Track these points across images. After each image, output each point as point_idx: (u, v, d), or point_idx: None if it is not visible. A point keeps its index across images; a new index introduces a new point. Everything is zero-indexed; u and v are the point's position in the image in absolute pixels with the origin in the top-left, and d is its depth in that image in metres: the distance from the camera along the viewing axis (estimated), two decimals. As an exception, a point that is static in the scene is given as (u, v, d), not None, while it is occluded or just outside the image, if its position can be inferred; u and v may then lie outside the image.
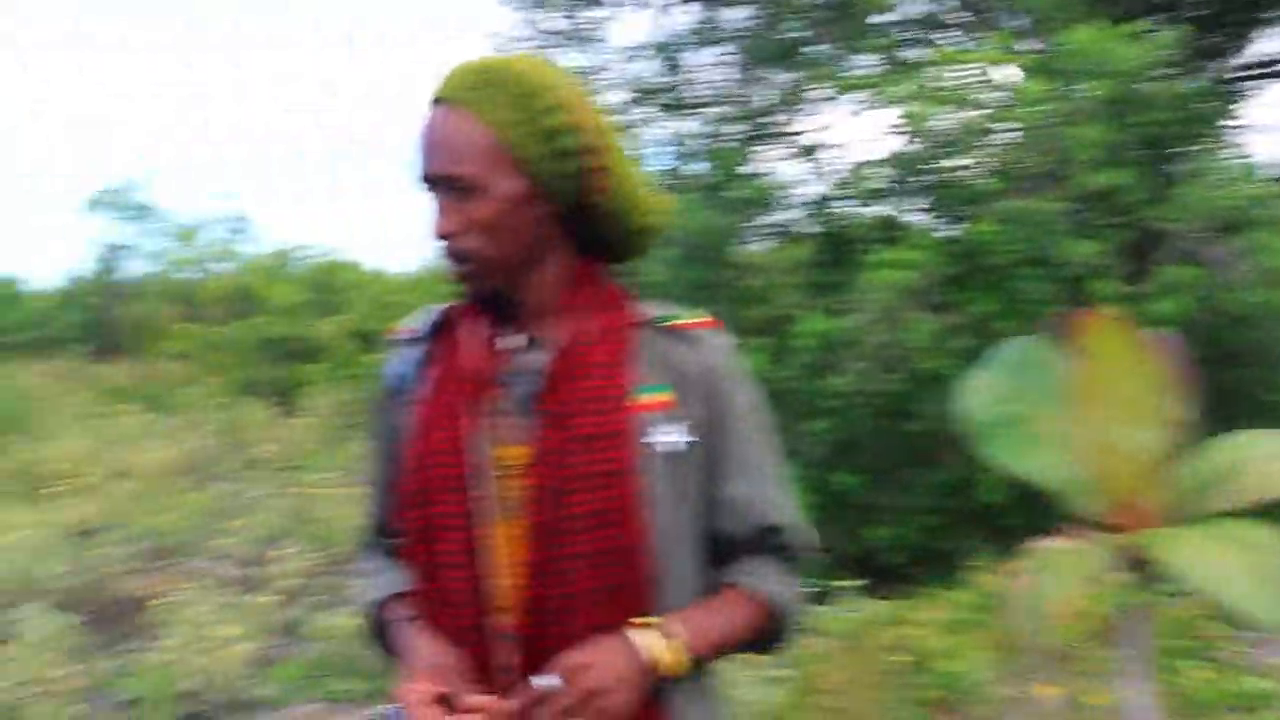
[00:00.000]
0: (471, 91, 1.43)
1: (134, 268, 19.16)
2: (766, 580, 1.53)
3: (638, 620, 1.43)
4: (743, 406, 1.53)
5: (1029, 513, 5.38)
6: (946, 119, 5.05)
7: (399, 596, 1.60)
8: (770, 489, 1.54)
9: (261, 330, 14.61)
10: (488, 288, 1.49)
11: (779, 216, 5.80)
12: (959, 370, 4.40)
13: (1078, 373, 0.92)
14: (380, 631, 1.64)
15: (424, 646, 1.49)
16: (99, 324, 18.14)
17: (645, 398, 1.47)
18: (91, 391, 15.02)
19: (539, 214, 1.46)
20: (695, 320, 1.55)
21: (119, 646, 5.62)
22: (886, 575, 5.50)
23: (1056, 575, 0.91)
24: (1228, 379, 4.93)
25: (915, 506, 5.36)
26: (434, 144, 1.44)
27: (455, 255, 1.46)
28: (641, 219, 1.54)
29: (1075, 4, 5.23)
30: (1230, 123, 5.67)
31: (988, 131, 4.95)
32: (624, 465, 1.43)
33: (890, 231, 5.82)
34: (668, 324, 1.54)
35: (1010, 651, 3.56)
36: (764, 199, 5.57)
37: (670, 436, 1.47)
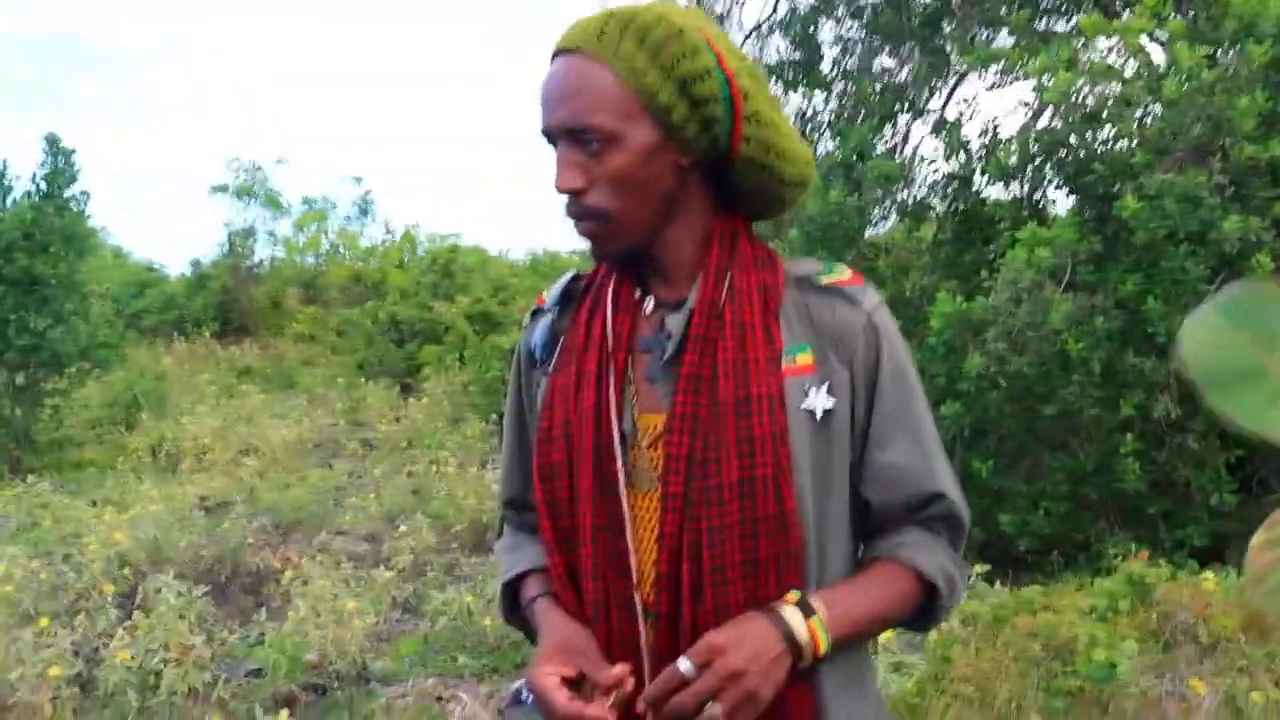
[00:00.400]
0: (599, 39, 1.32)
1: (261, 251, 19.73)
2: (922, 553, 1.41)
3: (779, 597, 1.33)
4: (896, 368, 1.42)
5: (1167, 500, 5.16)
6: (1089, 91, 4.81)
7: (535, 573, 1.54)
8: (928, 455, 1.43)
9: (383, 313, 14.87)
10: (619, 247, 1.40)
11: (911, 195, 5.61)
12: (1098, 352, 4.22)
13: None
14: (516, 609, 1.58)
15: (555, 625, 1.43)
16: (227, 307, 18.71)
17: (794, 359, 1.37)
18: (219, 372, 15.51)
19: (674, 166, 1.36)
20: (843, 277, 1.44)
21: (245, 618, 5.73)
22: (1013, 562, 5.33)
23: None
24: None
25: (1047, 493, 5.16)
26: (560, 94, 1.34)
27: (583, 213, 1.37)
28: (789, 169, 1.43)
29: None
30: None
31: (1133, 103, 4.70)
32: (773, 430, 1.33)
33: (1027, 209, 5.60)
34: (816, 282, 1.43)
35: (1159, 643, 3.38)
36: (896, 177, 5.38)
37: (817, 400, 1.36)
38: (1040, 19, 5.53)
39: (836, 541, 1.40)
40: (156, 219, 41.86)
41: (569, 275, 1.58)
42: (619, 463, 1.39)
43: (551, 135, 1.36)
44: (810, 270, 1.45)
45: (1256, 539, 0.85)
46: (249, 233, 19.12)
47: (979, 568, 4.76)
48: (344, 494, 8.77)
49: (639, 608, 1.37)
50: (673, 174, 1.37)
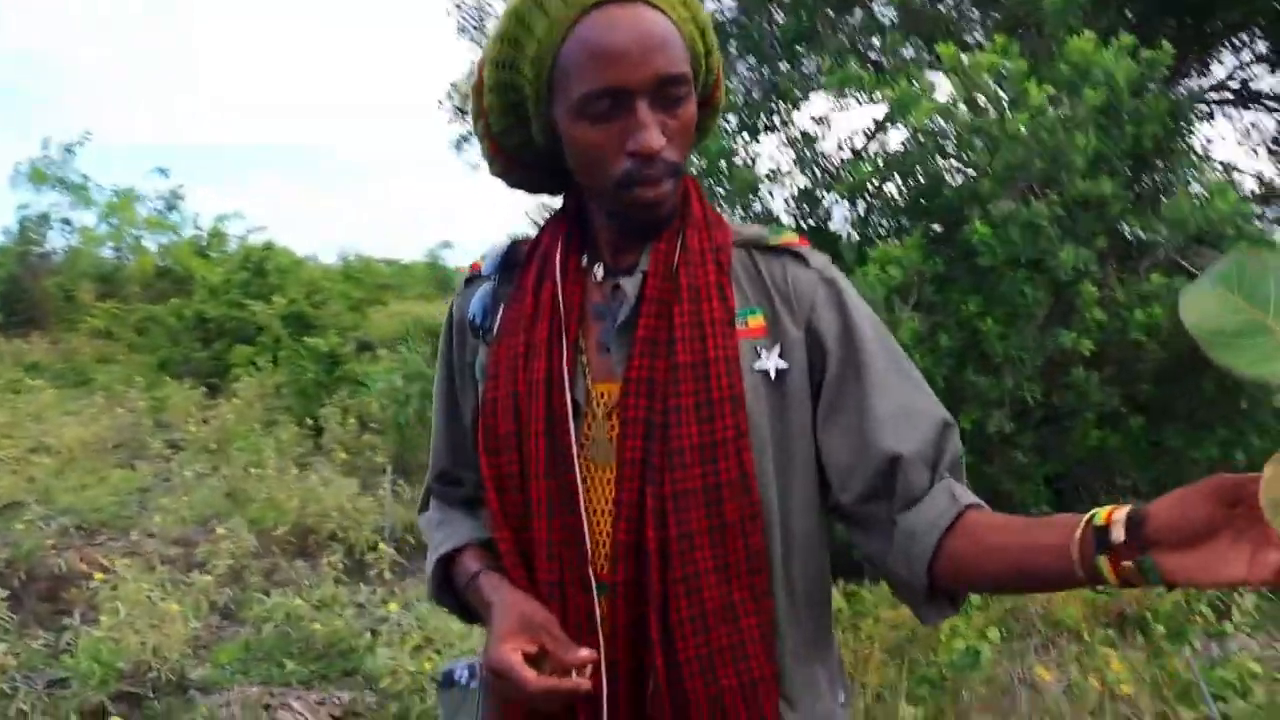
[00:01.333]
0: None
1: (58, 240, 18.49)
2: (972, 495, 1.31)
3: (747, 561, 1.29)
4: (867, 316, 1.38)
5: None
6: (941, 118, 5.02)
7: (472, 548, 1.46)
8: (924, 387, 1.37)
9: (189, 310, 14.18)
10: (675, 205, 1.34)
11: (763, 209, 5.72)
12: (944, 370, 4.36)
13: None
14: (450, 587, 1.49)
15: (511, 601, 1.33)
16: (13, 297, 17.45)
17: (745, 322, 1.35)
18: (4, 366, 14.47)
19: None
20: (792, 239, 1.41)
21: (44, 625, 5.33)
22: (848, 568, 5.48)
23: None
24: (1203, 383, 5.01)
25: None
26: (648, 44, 1.23)
27: (665, 171, 1.28)
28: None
29: (1073, 15, 5.26)
30: (1208, 140, 5.77)
31: (982, 132, 4.93)
32: (731, 393, 1.29)
33: (877, 228, 5.79)
34: (766, 242, 1.40)
35: (1012, 634, 3.51)
36: (749, 190, 5.49)
37: (769, 362, 1.33)
38: (896, 46, 5.74)
39: (799, 502, 1.34)
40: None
41: (508, 241, 1.51)
42: (576, 432, 1.32)
43: (628, 91, 1.24)
44: (758, 233, 1.42)
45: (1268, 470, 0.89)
46: (43, 219, 17.89)
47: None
48: (150, 496, 8.28)
49: (597, 582, 1.31)
50: None
